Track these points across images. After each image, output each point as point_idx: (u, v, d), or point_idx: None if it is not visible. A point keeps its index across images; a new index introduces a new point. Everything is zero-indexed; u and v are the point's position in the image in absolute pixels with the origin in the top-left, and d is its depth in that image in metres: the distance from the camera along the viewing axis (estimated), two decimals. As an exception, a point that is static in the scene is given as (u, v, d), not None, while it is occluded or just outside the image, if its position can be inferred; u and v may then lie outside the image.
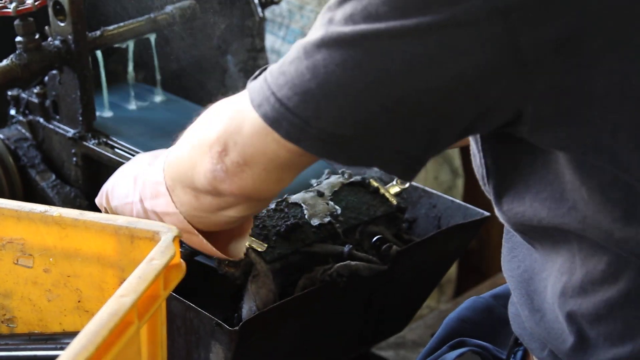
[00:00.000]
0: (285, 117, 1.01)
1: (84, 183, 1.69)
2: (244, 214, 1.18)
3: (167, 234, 1.07)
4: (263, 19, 1.98)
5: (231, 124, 1.08)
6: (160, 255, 1.03)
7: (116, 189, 1.32)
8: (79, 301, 1.14)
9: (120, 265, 1.11)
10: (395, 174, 1.06)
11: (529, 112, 1.00)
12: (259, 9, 1.98)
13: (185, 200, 1.17)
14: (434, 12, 0.95)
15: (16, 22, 1.58)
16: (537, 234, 1.12)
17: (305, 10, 2.65)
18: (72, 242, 1.12)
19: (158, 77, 1.88)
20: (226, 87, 2.00)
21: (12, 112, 1.78)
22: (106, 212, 1.35)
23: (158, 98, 1.88)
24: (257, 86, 1.04)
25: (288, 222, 1.43)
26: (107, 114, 1.79)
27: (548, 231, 1.09)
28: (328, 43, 0.97)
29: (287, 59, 1.02)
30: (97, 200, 1.39)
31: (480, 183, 1.16)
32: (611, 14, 0.96)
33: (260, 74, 1.07)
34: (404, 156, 1.04)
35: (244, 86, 1.98)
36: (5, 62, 1.58)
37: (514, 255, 1.21)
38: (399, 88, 0.97)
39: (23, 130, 1.75)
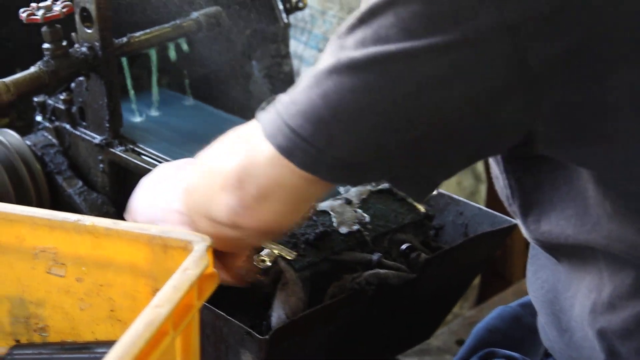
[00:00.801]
0: (299, 147, 1.00)
1: (110, 190, 1.69)
2: (263, 241, 1.18)
3: (200, 243, 1.07)
4: (288, 25, 1.98)
5: (245, 157, 1.07)
6: (194, 265, 1.03)
7: (143, 207, 1.32)
8: (111, 310, 1.14)
9: (153, 275, 1.11)
10: (408, 195, 1.07)
11: (540, 131, 0.99)
12: (284, 15, 1.98)
13: (203, 228, 1.15)
14: (443, 31, 0.95)
15: (44, 29, 1.58)
16: (565, 252, 1.12)
17: (328, 15, 2.65)
18: (105, 252, 1.12)
19: (186, 82, 1.88)
20: (251, 93, 2.01)
21: (38, 118, 1.79)
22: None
23: (184, 104, 1.88)
24: (268, 117, 1.04)
25: (317, 230, 1.43)
26: (133, 120, 1.79)
27: (575, 248, 1.09)
28: (339, 69, 0.97)
29: (298, 88, 1.02)
30: (126, 216, 1.39)
31: (506, 204, 1.15)
32: (621, 23, 0.96)
33: (270, 104, 1.06)
34: (416, 178, 1.05)
35: (268, 92, 2.00)
36: (33, 69, 1.58)
37: (538, 277, 1.21)
38: (411, 110, 0.97)
39: (49, 137, 1.75)
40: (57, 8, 1.57)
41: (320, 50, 2.67)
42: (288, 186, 1.05)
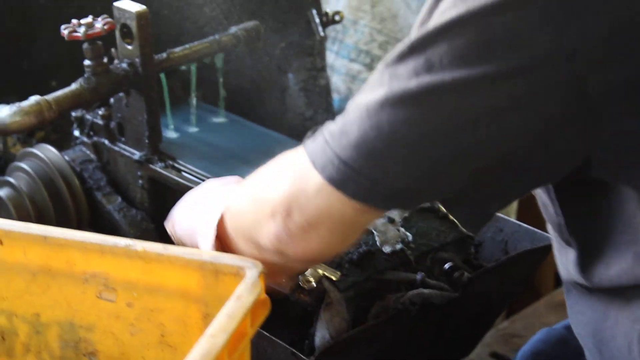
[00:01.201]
0: (352, 179, 1.00)
1: (150, 206, 1.70)
2: (307, 267, 1.18)
3: (252, 269, 1.07)
4: (324, 39, 1.98)
5: (294, 186, 1.06)
6: (248, 293, 1.03)
7: (183, 218, 1.32)
8: (162, 335, 1.14)
9: (204, 300, 1.11)
10: (462, 225, 1.06)
11: (597, 158, 0.99)
12: (320, 28, 1.97)
13: (247, 252, 1.15)
14: (498, 59, 0.93)
15: (85, 45, 1.59)
16: (608, 289, 1.11)
17: (359, 25, 2.64)
18: (155, 277, 1.12)
19: (222, 95, 1.87)
20: (286, 106, 2.00)
21: (76, 132, 1.79)
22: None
23: (219, 119, 1.88)
24: (318, 148, 1.03)
25: (360, 250, 1.43)
26: (171, 135, 1.79)
27: (623, 287, 1.08)
28: (392, 101, 0.96)
29: (347, 119, 1.01)
30: (166, 225, 1.39)
31: (556, 231, 1.14)
32: None
33: (317, 133, 1.05)
34: (471, 209, 1.04)
35: (304, 105, 1.99)
36: (74, 85, 1.59)
37: (576, 310, 1.20)
38: (467, 142, 0.96)
39: (88, 152, 1.76)
40: (98, 25, 1.57)
41: (352, 60, 2.67)
42: (337, 216, 1.05)
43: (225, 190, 1.26)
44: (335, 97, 2.68)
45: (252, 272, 1.06)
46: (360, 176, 0.99)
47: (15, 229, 1.16)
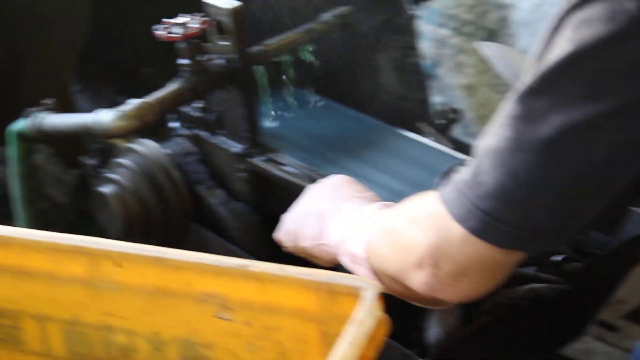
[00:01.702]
0: (495, 228, 1.00)
1: (252, 198, 1.70)
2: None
3: (370, 290, 1.06)
4: (415, 16, 1.95)
5: (437, 237, 1.06)
6: (368, 316, 1.03)
7: (305, 229, 1.32)
8: (281, 353, 1.15)
9: (322, 319, 1.11)
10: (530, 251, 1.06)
11: None
12: (411, 6, 1.95)
13: (393, 288, 1.17)
14: (627, 90, 0.91)
15: (182, 44, 1.58)
16: None
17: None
18: (272, 297, 1.12)
19: (312, 78, 1.86)
20: (379, 86, 1.98)
21: (174, 124, 1.79)
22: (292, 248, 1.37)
23: (314, 103, 1.87)
24: (455, 200, 1.03)
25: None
26: (269, 123, 1.79)
27: None
28: (524, 146, 0.96)
29: (481, 167, 1.00)
30: (279, 237, 1.39)
31: None
32: None
33: (451, 182, 1.05)
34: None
35: (397, 84, 1.97)
36: (173, 85, 1.59)
37: None
38: (604, 176, 0.96)
39: (187, 144, 1.76)
40: (194, 24, 1.57)
41: (440, 25, 2.63)
42: (486, 262, 1.05)
43: (348, 217, 1.27)
44: (425, 62, 2.66)
45: (370, 294, 1.06)
46: (503, 225, 1.00)
47: (132, 252, 1.17)
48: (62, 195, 2.40)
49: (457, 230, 1.03)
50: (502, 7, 2.54)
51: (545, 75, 0.94)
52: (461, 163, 1.11)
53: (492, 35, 2.57)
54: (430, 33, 2.64)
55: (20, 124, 1.67)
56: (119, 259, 1.18)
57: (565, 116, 0.93)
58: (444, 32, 2.63)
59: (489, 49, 1.66)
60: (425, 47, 2.64)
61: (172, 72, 1.62)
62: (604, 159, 0.94)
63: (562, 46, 0.93)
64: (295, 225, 1.34)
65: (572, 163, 0.95)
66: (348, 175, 1.59)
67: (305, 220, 1.32)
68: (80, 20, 2.01)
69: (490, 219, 1.00)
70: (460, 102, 2.61)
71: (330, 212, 1.29)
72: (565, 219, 1.00)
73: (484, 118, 2.58)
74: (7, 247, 1.22)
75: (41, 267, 1.22)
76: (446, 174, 1.07)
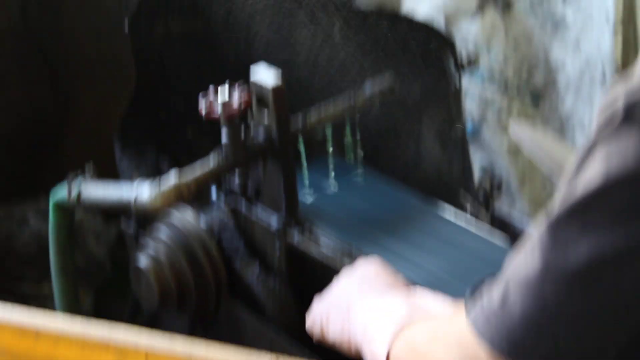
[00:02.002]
0: (526, 356, 0.98)
1: (288, 274, 1.68)
2: None
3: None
4: (460, 86, 1.93)
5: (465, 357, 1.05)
6: None
7: (330, 322, 1.31)
8: None
9: None
10: None
11: None
12: (456, 75, 1.93)
13: None
14: None
15: (221, 120, 1.58)
16: None
17: (493, 48, 2.59)
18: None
19: (353, 146, 1.85)
20: (421, 155, 1.97)
21: (213, 194, 1.78)
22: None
23: (355, 174, 1.86)
24: (483, 326, 1.01)
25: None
26: (309, 196, 1.78)
27: None
28: (553, 277, 0.94)
29: (508, 296, 0.99)
30: (308, 328, 1.38)
31: None
32: None
33: (477, 303, 1.04)
34: None
35: (440, 154, 1.95)
36: (211, 162, 1.58)
37: None
38: (632, 307, 0.94)
39: (225, 216, 1.75)
40: (235, 103, 1.57)
41: (485, 84, 2.61)
42: None
43: (372, 314, 1.26)
44: (469, 122, 2.64)
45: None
46: (532, 355, 0.98)
47: (158, 347, 1.17)
48: (101, 250, 2.41)
49: (483, 357, 1.01)
50: (549, 69, 2.52)
51: (576, 205, 0.93)
52: (493, 274, 1.08)
53: (538, 96, 2.55)
54: (475, 93, 2.62)
55: (59, 194, 1.67)
56: (148, 356, 1.17)
57: (594, 247, 0.92)
58: (490, 92, 2.61)
59: (519, 130, 1.65)
60: (470, 106, 2.63)
61: (215, 133, 1.62)
62: (634, 290, 0.92)
63: (593, 175, 0.92)
64: (322, 319, 1.33)
65: (601, 294, 0.93)
66: (385, 253, 1.58)
67: (332, 314, 1.32)
68: (126, 79, 2.02)
69: (519, 349, 0.98)
70: (504, 164, 2.59)
71: (356, 307, 1.28)
72: (595, 352, 0.97)
73: (526, 182, 2.56)
74: (37, 337, 1.22)
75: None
76: (476, 287, 1.04)
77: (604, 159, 0.91)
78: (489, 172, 2.58)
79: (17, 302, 2.35)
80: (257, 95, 1.58)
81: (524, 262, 0.98)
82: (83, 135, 2.09)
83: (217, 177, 1.58)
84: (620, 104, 0.91)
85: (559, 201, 0.95)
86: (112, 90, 2.03)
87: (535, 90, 2.56)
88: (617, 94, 0.93)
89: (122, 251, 1.94)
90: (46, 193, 1.73)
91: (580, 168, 0.94)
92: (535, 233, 0.97)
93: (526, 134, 1.63)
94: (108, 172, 1.90)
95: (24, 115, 2.00)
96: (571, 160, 0.97)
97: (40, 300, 2.38)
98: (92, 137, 2.09)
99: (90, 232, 2.38)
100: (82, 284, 2.31)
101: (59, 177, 1.70)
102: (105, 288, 2.47)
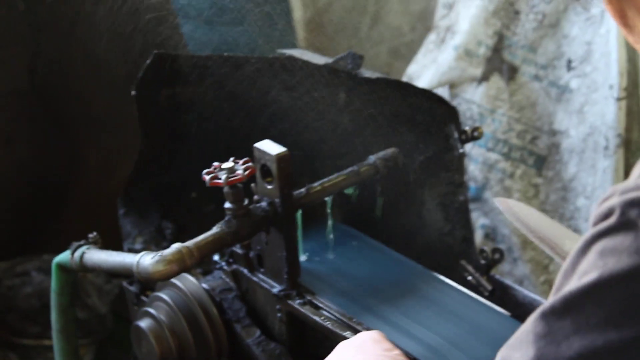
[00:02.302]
0: None
1: (289, 340, 1.69)
2: None
3: None
4: (463, 155, 1.94)
5: None
6: None
7: None
8: None
9: None
10: None
11: None
12: (459, 144, 1.94)
13: None
14: None
15: (226, 189, 1.59)
16: None
17: (497, 113, 2.60)
18: None
19: (353, 217, 1.86)
20: (423, 221, 1.98)
21: (216, 258, 1.80)
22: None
23: (354, 241, 1.87)
24: None
25: None
26: (308, 264, 1.79)
27: None
28: None
29: None
30: None
31: None
32: None
33: None
34: None
35: (442, 221, 1.96)
36: (215, 230, 1.59)
37: None
38: None
39: (227, 280, 1.76)
40: (239, 171, 1.58)
41: (489, 149, 2.63)
42: None
43: None
44: (472, 185, 2.65)
45: None
46: None
47: None
48: (104, 304, 2.42)
49: None
50: (553, 134, 2.54)
51: (570, 298, 0.94)
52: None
53: (541, 161, 2.57)
54: (479, 156, 2.63)
55: (62, 256, 1.69)
56: None
57: (587, 340, 0.93)
58: (493, 156, 2.62)
59: (503, 204, 1.67)
60: (473, 170, 2.64)
61: (218, 197, 1.63)
62: None
63: (587, 271, 0.94)
64: None
65: None
66: (382, 324, 1.59)
67: None
68: (132, 141, 2.04)
69: None
70: (506, 228, 2.60)
71: None
72: None
73: (528, 247, 2.56)
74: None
75: None
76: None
77: (598, 254, 0.93)
78: (491, 237, 2.59)
79: (18, 353, 2.36)
80: (261, 162, 1.60)
81: (518, 348, 0.99)
82: (87, 194, 2.10)
83: (221, 245, 1.59)
84: (616, 201, 0.93)
85: (554, 289, 0.97)
86: (118, 151, 2.04)
87: (538, 156, 2.57)
88: (614, 190, 0.94)
89: (124, 304, 1.94)
90: (49, 250, 1.75)
91: (576, 261, 0.96)
92: (530, 321, 0.98)
93: (511, 210, 1.64)
94: (111, 232, 1.92)
95: (30, 174, 2.02)
96: (569, 248, 0.99)
97: (40, 350, 2.38)
98: (97, 197, 2.10)
99: (92, 286, 2.39)
100: (83, 338, 2.32)
101: (63, 234, 1.72)
102: (107, 341, 2.48)
